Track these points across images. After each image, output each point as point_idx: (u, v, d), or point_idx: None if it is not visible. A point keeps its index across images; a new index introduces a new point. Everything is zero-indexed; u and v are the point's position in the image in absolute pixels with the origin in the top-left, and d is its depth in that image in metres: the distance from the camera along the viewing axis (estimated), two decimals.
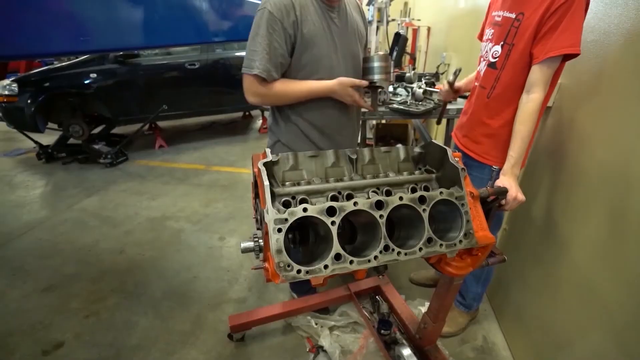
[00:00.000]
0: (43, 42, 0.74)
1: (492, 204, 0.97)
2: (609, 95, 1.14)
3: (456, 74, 1.50)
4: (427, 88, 2.20)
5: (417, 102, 2.11)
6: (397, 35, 2.73)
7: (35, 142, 4.02)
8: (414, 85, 2.27)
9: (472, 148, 1.40)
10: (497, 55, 1.19)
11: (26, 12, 0.69)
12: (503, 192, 0.98)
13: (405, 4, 5.93)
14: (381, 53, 1.17)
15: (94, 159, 3.96)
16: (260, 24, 1.10)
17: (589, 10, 1.11)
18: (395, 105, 2.04)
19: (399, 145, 0.99)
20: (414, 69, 4.60)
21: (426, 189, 0.89)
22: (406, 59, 4.50)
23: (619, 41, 1.08)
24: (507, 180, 1.14)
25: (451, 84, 1.51)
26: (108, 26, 0.96)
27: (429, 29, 4.40)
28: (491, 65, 1.22)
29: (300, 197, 0.80)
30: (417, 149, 0.97)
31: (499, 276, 1.88)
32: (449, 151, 0.87)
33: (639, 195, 0.98)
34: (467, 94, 1.53)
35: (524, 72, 1.15)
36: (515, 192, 1.08)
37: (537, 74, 1.10)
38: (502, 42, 1.18)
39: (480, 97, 1.30)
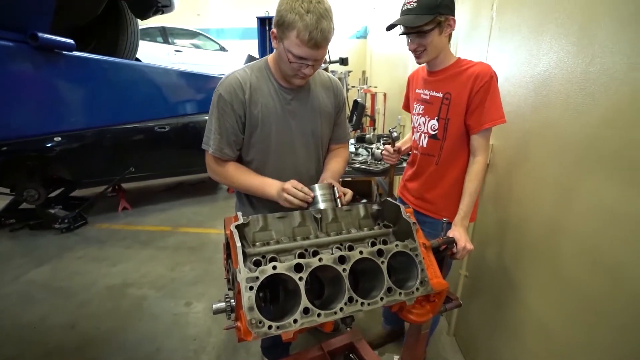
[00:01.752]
0: (37, 124, 0.80)
1: (444, 253, 1.08)
2: (530, 155, 1.37)
3: (393, 137, 1.73)
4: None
5: (376, 162, 2.32)
6: (356, 102, 3.06)
7: None
8: (373, 146, 2.51)
9: (426, 207, 1.54)
10: (436, 128, 1.41)
11: (23, 100, 0.76)
12: (451, 241, 1.11)
13: (364, 72, 6.69)
14: (323, 183, 1.17)
15: (49, 224, 3.72)
16: (214, 105, 1.21)
17: (505, 87, 1.38)
18: (357, 165, 2.23)
19: (360, 204, 1.10)
20: (374, 129, 5.03)
21: (385, 242, 0.98)
22: (367, 120, 4.95)
23: (527, 112, 1.35)
24: (458, 230, 1.27)
25: (393, 146, 1.71)
26: (97, 106, 1.04)
27: (385, 95, 4.94)
28: (433, 137, 1.44)
29: (270, 255, 0.86)
30: (375, 207, 1.09)
31: (469, 325, 1.93)
32: (402, 208, 1.00)
33: (567, 242, 1.14)
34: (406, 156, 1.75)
35: (463, 137, 1.38)
36: (464, 242, 1.21)
37: (478, 141, 1.34)
38: (436, 117, 1.40)
39: (429, 164, 1.48)
